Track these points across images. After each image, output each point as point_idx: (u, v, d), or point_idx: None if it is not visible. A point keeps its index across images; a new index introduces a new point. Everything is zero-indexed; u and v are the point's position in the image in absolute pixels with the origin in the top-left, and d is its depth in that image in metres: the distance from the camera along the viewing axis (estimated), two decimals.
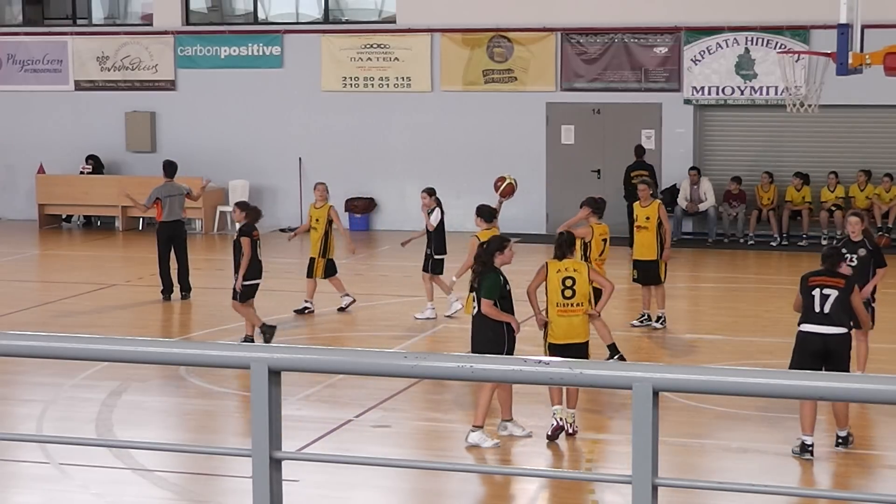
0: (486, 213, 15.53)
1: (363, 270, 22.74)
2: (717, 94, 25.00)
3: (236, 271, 15.85)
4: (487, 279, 11.93)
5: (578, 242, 14.04)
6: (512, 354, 11.62)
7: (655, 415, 3.91)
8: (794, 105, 19.28)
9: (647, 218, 16.72)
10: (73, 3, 28.78)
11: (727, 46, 24.83)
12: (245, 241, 15.74)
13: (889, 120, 24.56)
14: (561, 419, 11.96)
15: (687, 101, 25.19)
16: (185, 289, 19.08)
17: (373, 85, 26.56)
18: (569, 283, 12.14)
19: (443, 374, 4.13)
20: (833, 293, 11.49)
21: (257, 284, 15.89)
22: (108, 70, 27.87)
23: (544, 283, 12.25)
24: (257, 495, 4.18)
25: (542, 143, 25.91)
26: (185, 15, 27.70)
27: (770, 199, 24.66)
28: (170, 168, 19.51)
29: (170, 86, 27.64)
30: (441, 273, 17.42)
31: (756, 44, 24.69)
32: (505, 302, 11.95)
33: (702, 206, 24.85)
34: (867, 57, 16.71)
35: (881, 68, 16.90)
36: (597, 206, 15.39)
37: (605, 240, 15.23)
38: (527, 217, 25.31)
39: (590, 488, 10.69)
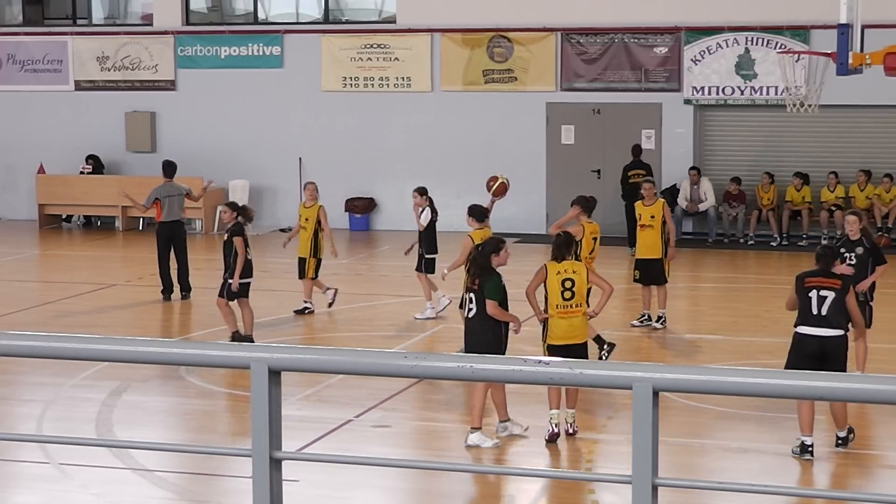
0: (478, 213, 15.55)
1: (363, 270, 22.74)
2: (717, 94, 25.00)
3: (226, 270, 15.86)
4: (491, 281, 11.91)
5: None
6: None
7: (655, 415, 3.91)
8: (794, 105, 19.28)
9: (652, 217, 16.72)
10: (73, 3, 28.78)
11: (727, 46, 24.84)
12: (238, 240, 15.75)
13: (889, 120, 24.56)
14: (557, 424, 11.93)
15: (687, 101, 25.19)
16: (185, 289, 19.09)
17: (373, 85, 26.57)
18: (568, 284, 12.13)
19: (443, 374, 4.13)
20: (830, 295, 11.46)
21: (249, 283, 15.92)
22: (108, 70, 27.87)
23: (543, 284, 12.22)
24: (257, 495, 4.18)
25: (542, 143, 25.92)
26: (185, 15, 27.71)
27: (770, 200, 24.67)
28: (169, 168, 19.51)
29: (170, 86, 27.64)
30: (433, 272, 17.46)
31: (756, 44, 24.70)
32: (503, 304, 11.95)
33: (702, 206, 24.86)
34: (867, 57, 16.70)
35: (881, 68, 16.90)
36: (587, 205, 15.40)
37: (595, 238, 15.24)
38: (527, 217, 25.32)
39: (590, 488, 10.69)
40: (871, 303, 13.91)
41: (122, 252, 24.98)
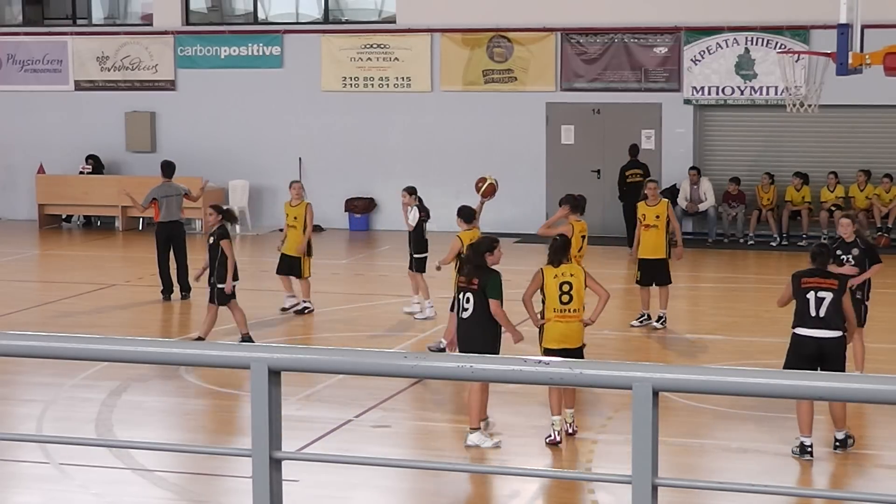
0: (465, 214, 15.55)
1: (363, 270, 22.75)
2: (717, 94, 25.00)
3: (212, 274, 15.81)
4: (493, 280, 11.88)
5: None
6: None
7: (655, 415, 3.91)
8: (794, 105, 19.28)
9: (657, 217, 16.72)
10: (73, 3, 28.79)
11: (727, 46, 24.84)
12: (226, 243, 15.72)
13: (889, 120, 24.56)
14: (559, 431, 11.91)
15: (687, 101, 25.20)
16: (185, 289, 19.09)
17: (373, 85, 26.57)
18: (566, 288, 12.03)
19: (443, 374, 4.13)
20: (828, 296, 11.44)
21: (234, 287, 15.84)
22: (108, 70, 27.87)
23: (540, 289, 12.15)
24: (257, 495, 4.18)
25: (542, 143, 25.92)
26: (185, 15, 27.71)
27: (770, 200, 24.67)
28: (168, 168, 19.52)
29: (170, 86, 27.64)
30: (424, 271, 17.49)
31: (756, 44, 24.70)
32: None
33: (702, 206, 24.86)
34: (867, 57, 16.70)
35: (881, 68, 16.90)
36: (576, 204, 15.39)
37: (583, 236, 15.22)
38: (526, 217, 25.30)
39: (590, 488, 10.69)
40: (866, 302, 13.89)
41: (121, 252, 24.98)
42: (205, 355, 4.41)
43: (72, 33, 28.17)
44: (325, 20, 27.31)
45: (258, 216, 26.99)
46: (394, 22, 26.53)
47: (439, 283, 16.98)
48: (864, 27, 17.02)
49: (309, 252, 18.01)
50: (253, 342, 15.95)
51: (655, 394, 3.89)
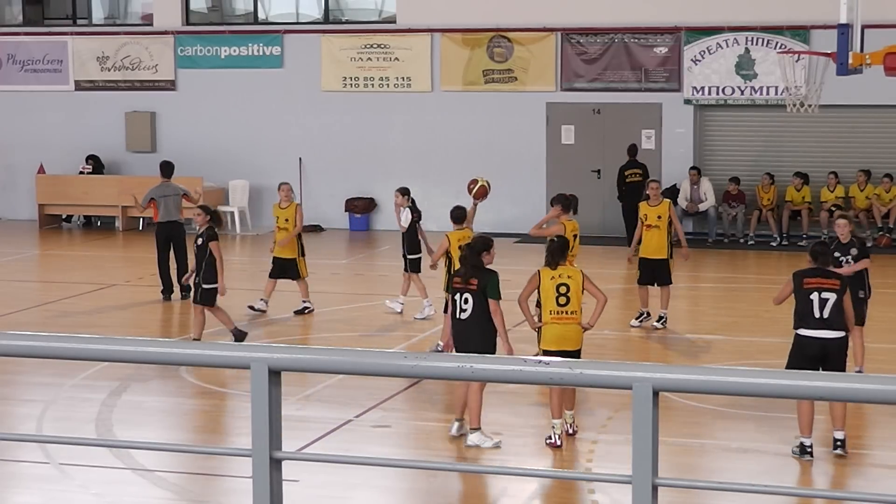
0: (454, 215, 15.62)
1: (363, 270, 22.75)
2: (717, 94, 25.01)
3: (197, 275, 15.76)
4: (491, 280, 11.86)
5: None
6: None
7: (655, 415, 3.91)
8: (794, 105, 19.28)
9: (659, 217, 16.72)
10: (73, 3, 28.79)
11: (727, 46, 24.84)
12: (215, 245, 15.68)
13: (889, 120, 24.57)
14: (560, 435, 11.89)
15: (687, 101, 25.20)
16: (185, 289, 19.06)
17: (373, 85, 26.57)
18: (563, 289, 11.98)
19: (443, 374, 4.13)
20: (832, 297, 11.41)
21: (216, 288, 15.77)
22: (108, 70, 27.88)
23: (536, 291, 12.13)
24: (257, 495, 4.18)
25: (542, 143, 25.92)
26: (185, 15, 27.71)
27: (770, 200, 24.68)
28: (166, 168, 19.50)
29: (170, 86, 27.65)
30: (418, 271, 17.50)
31: (756, 44, 24.70)
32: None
33: (702, 206, 24.86)
34: (867, 57, 16.71)
35: (881, 68, 16.90)
36: (567, 204, 15.41)
37: (575, 236, 15.22)
38: (526, 217, 25.22)
39: (590, 488, 10.69)
40: (861, 295, 13.80)
41: (121, 252, 24.98)
42: (205, 355, 4.41)
43: (72, 33, 28.17)
44: (326, 20, 27.31)
45: (258, 216, 26.98)
46: (394, 22, 26.54)
47: (436, 283, 16.96)
48: (864, 27, 17.03)
49: (302, 252, 18.01)
50: (245, 333, 15.95)
51: (655, 394, 3.89)
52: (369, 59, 26.52)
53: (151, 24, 27.83)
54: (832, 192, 24.48)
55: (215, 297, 15.74)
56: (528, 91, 25.79)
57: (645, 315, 17.02)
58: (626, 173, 24.14)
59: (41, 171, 27.68)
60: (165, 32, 27.55)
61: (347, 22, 27.25)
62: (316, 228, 26.54)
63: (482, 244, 12.15)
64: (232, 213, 26.67)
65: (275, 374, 4.17)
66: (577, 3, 25.44)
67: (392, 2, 26.73)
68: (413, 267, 17.56)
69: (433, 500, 11.00)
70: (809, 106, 19.05)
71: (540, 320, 12.12)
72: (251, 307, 17.84)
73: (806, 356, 11.35)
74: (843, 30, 16.70)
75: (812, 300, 11.41)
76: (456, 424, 12.12)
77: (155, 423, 13.10)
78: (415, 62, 26.30)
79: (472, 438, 11.84)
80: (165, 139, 27.68)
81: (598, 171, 25.70)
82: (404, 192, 17.92)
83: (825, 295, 11.40)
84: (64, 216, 28.08)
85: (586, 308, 12.23)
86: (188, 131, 27.43)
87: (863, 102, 23.90)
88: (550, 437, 11.87)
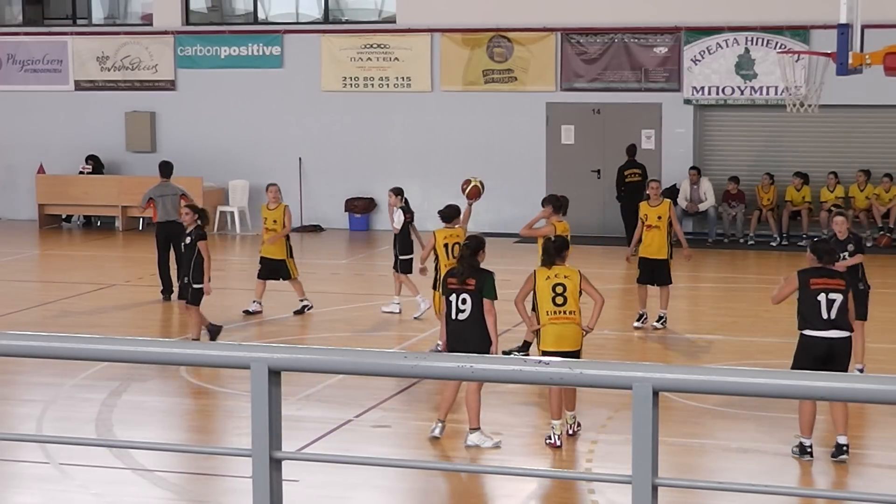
0: (443, 214, 15.65)
1: (363, 270, 22.75)
2: (717, 94, 25.00)
3: (186, 274, 15.76)
4: (489, 280, 11.85)
5: (540, 241, 14.03)
6: None
7: (655, 415, 3.91)
8: (794, 105, 19.28)
9: (659, 217, 16.71)
10: (73, 3, 28.79)
11: (727, 46, 24.84)
12: (203, 244, 15.68)
13: (889, 120, 24.57)
14: (559, 435, 11.88)
15: (687, 101, 25.20)
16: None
17: (373, 85, 26.57)
18: (559, 289, 11.94)
19: (443, 374, 4.13)
20: (838, 298, 11.35)
21: (202, 289, 15.77)
22: (108, 70, 27.87)
23: (532, 292, 12.11)
24: (257, 495, 4.18)
25: (542, 143, 25.92)
26: (185, 15, 27.71)
27: (770, 200, 24.68)
28: (165, 168, 19.53)
29: (170, 86, 27.65)
30: (410, 272, 17.50)
31: (756, 44, 24.70)
32: None
33: (702, 206, 24.86)
34: (867, 57, 16.70)
35: (881, 68, 16.90)
36: (558, 204, 15.40)
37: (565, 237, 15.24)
38: (526, 217, 25.07)
39: (590, 488, 10.69)
40: (860, 285, 13.74)
41: (121, 252, 24.98)
42: (205, 355, 4.41)
43: (72, 33, 28.17)
44: (325, 20, 27.31)
45: (258, 216, 26.86)
46: (394, 22, 26.53)
47: (426, 281, 16.95)
48: (864, 27, 17.02)
49: (290, 253, 18.01)
50: (220, 327, 15.95)
51: (655, 394, 3.89)
52: (369, 59, 26.52)
53: (151, 24, 27.83)
54: (832, 192, 24.48)
55: (200, 297, 15.75)
56: (527, 91, 25.79)
57: (644, 316, 17.01)
58: (625, 173, 24.14)
59: (41, 171, 27.68)
60: (165, 32, 27.55)
61: (347, 22, 27.25)
62: (316, 228, 26.54)
63: (479, 243, 12.15)
64: (232, 213, 26.68)
65: (275, 374, 4.17)
66: (577, 3, 25.43)
67: (392, 2, 26.72)
68: (404, 268, 17.55)
69: (433, 500, 11.00)
70: (809, 106, 19.05)
71: (538, 322, 12.10)
72: (246, 311, 17.84)
73: (812, 357, 11.30)
74: (843, 30, 16.70)
75: (819, 301, 11.35)
76: (439, 426, 12.10)
77: (155, 423, 13.10)
78: (415, 62, 26.30)
79: (472, 438, 11.83)
80: (165, 139, 27.68)
81: (598, 172, 25.70)
82: (398, 192, 17.92)
83: (832, 296, 11.34)
84: (64, 216, 28.08)
85: (585, 309, 12.21)
86: (188, 131, 27.42)
87: (863, 102, 23.90)
88: (550, 438, 11.87)
